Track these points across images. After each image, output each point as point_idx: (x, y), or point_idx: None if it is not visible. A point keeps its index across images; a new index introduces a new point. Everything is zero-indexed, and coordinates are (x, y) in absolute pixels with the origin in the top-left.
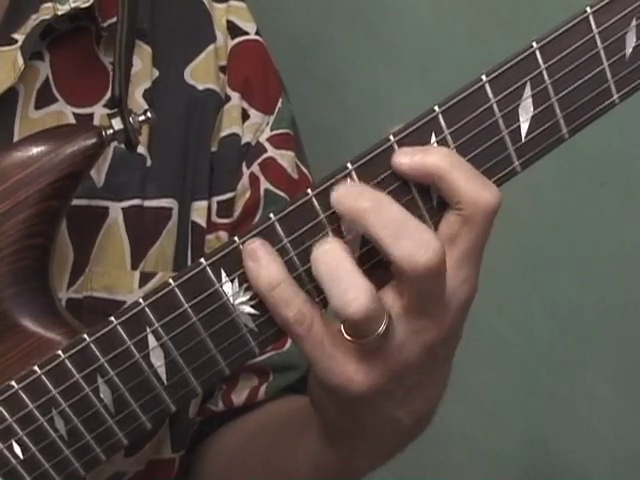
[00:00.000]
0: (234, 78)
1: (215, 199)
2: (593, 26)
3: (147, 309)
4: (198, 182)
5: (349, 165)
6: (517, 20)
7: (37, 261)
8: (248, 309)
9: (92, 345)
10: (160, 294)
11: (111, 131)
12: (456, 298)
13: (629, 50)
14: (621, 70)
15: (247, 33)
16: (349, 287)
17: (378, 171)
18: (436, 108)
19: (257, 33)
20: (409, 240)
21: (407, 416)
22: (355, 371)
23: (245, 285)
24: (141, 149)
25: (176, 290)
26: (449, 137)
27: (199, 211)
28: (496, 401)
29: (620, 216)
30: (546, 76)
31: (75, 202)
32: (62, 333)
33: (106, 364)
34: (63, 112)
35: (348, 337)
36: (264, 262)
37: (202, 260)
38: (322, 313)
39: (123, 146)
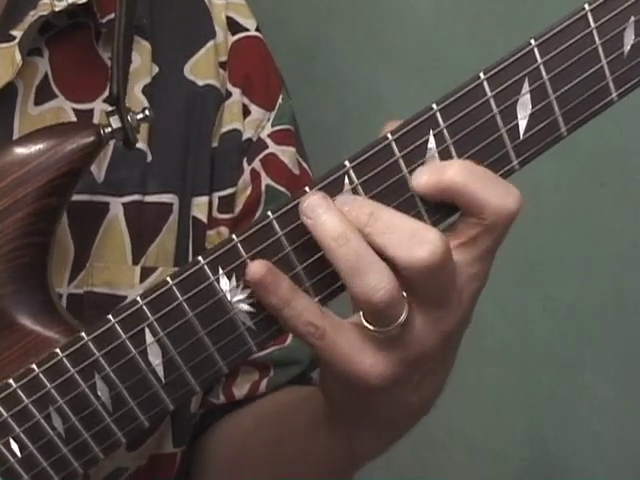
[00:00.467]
0: (235, 74)
1: (216, 195)
2: (591, 23)
3: (145, 307)
4: (199, 178)
5: (347, 163)
6: (517, 20)
7: (35, 259)
8: (246, 307)
9: (90, 343)
10: (158, 292)
11: (109, 129)
12: (469, 289)
13: (627, 47)
14: (619, 67)
15: (247, 29)
16: (373, 274)
17: (375, 169)
18: (434, 106)
19: (257, 29)
20: (405, 238)
21: (418, 400)
22: (373, 364)
23: (242, 283)
24: (141, 144)
25: (174, 288)
26: (447, 135)
27: (200, 206)
28: (496, 401)
29: (620, 216)
30: (544, 73)
31: (76, 197)
32: (60, 331)
33: (104, 362)
34: (63, 108)
35: (370, 326)
36: (273, 285)
37: (200, 258)
38: (334, 318)
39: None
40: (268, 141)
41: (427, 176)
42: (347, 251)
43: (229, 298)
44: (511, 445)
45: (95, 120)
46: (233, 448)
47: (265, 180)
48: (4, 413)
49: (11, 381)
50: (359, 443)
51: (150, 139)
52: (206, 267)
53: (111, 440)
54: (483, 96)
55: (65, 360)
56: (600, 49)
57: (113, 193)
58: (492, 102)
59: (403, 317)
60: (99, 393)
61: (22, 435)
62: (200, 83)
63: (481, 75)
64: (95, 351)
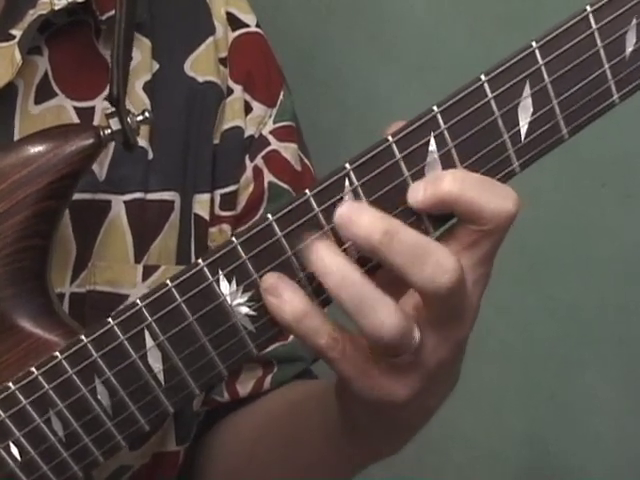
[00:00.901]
0: (236, 71)
1: (218, 192)
2: (593, 25)
3: (145, 310)
4: (200, 175)
5: (347, 165)
6: (517, 20)
7: (35, 262)
8: (246, 310)
9: (89, 346)
10: (157, 295)
11: (109, 131)
12: (475, 292)
13: (629, 50)
14: (621, 70)
15: (248, 25)
16: (380, 312)
17: (376, 171)
18: (435, 108)
19: (257, 25)
20: (427, 265)
21: (435, 401)
22: (393, 384)
23: (243, 286)
24: (143, 142)
25: (173, 291)
26: (448, 137)
27: (202, 204)
28: (496, 401)
29: (620, 217)
30: (546, 75)
31: (78, 196)
32: (60, 334)
33: (103, 365)
34: (63, 106)
35: (383, 358)
36: (286, 296)
37: (199, 260)
38: (351, 332)
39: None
40: (270, 138)
41: (422, 192)
42: (350, 293)
43: (229, 302)
44: (511, 445)
45: (96, 117)
46: (239, 452)
47: (268, 177)
48: (4, 416)
49: (10, 384)
50: (376, 445)
51: (151, 137)
52: (206, 269)
53: (111, 444)
54: (484, 98)
55: (64, 363)
56: (602, 52)
57: (115, 191)
58: (493, 104)
59: (416, 342)
60: (99, 397)
61: (22, 439)
62: (200, 79)
63: (482, 77)
64: (95, 354)
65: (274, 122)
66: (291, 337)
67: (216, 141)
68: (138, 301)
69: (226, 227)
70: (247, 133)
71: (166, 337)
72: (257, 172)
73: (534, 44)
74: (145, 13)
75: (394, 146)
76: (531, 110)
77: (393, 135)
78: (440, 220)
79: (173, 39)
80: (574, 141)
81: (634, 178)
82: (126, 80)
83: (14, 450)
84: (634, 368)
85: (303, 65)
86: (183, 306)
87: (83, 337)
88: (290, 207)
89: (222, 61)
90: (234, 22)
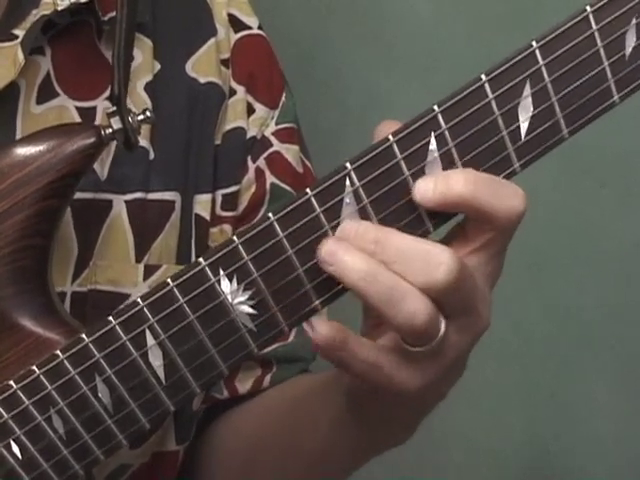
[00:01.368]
0: (239, 72)
1: (220, 192)
2: (593, 25)
3: (146, 309)
4: (201, 175)
5: (348, 165)
6: (517, 20)
7: (36, 261)
8: (247, 309)
9: (91, 345)
10: (159, 294)
11: (110, 130)
12: (488, 285)
13: (629, 49)
14: (621, 69)
15: (250, 27)
16: (409, 301)
17: (376, 171)
18: (435, 107)
19: (259, 28)
20: (417, 263)
21: (448, 388)
22: (411, 377)
23: (244, 284)
24: (144, 142)
25: (175, 290)
26: (448, 137)
27: (202, 204)
28: (496, 401)
29: (620, 217)
30: (546, 75)
31: (79, 195)
32: (61, 332)
33: (104, 363)
34: (65, 106)
35: (412, 348)
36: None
37: (201, 259)
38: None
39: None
40: (272, 139)
41: (431, 191)
42: (378, 287)
43: (230, 300)
44: (511, 445)
45: (98, 118)
46: (239, 448)
47: (270, 178)
48: (5, 415)
49: (12, 383)
50: (388, 433)
51: (153, 137)
52: (207, 268)
53: (112, 442)
54: (485, 98)
55: (66, 362)
56: (602, 51)
57: (116, 191)
58: (494, 104)
59: (442, 331)
60: (100, 395)
61: (23, 437)
62: (202, 80)
63: (483, 77)
64: (96, 353)
65: (276, 124)
66: (291, 337)
67: (217, 141)
68: (139, 300)
69: (227, 227)
70: (249, 134)
71: (167, 336)
72: (259, 173)
73: (534, 44)
74: (147, 14)
75: (395, 145)
76: (531, 109)
77: (394, 135)
78: (440, 218)
79: (175, 40)
80: (574, 141)
81: (634, 178)
82: (127, 79)
83: (15, 448)
84: (634, 368)
85: (303, 65)
86: (184, 305)
87: (84, 336)
88: (291, 207)
89: (224, 62)
90: (236, 24)
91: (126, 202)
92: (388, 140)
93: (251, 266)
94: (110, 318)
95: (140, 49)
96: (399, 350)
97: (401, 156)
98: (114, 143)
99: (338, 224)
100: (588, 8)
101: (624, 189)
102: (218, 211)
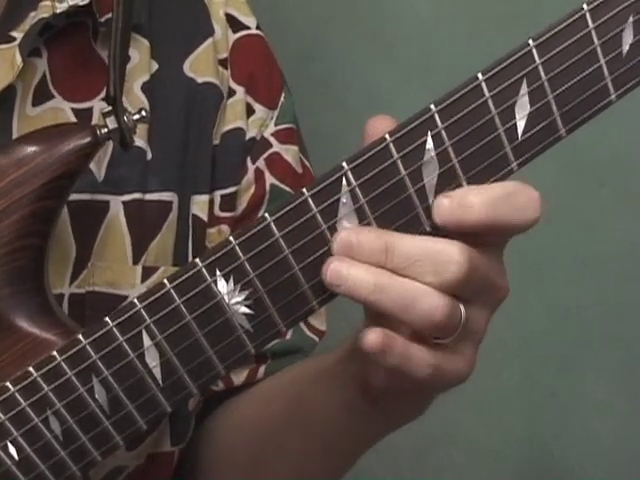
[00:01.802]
0: (238, 72)
1: (218, 193)
2: (590, 23)
3: (143, 310)
4: (199, 175)
5: (344, 165)
6: (517, 20)
7: (32, 261)
8: (243, 309)
9: (87, 346)
10: (156, 295)
11: (105, 130)
12: (502, 253)
13: (626, 47)
14: (618, 67)
15: (248, 27)
16: (424, 300)
17: (373, 170)
18: (432, 107)
19: (258, 27)
20: (429, 265)
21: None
22: (455, 364)
23: (240, 285)
24: (141, 143)
25: (171, 291)
26: (445, 136)
27: (200, 205)
28: (496, 401)
29: (620, 217)
30: (542, 73)
31: (77, 197)
32: (58, 333)
33: (101, 365)
34: (61, 108)
35: (440, 341)
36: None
37: (197, 260)
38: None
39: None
40: (272, 140)
41: (447, 215)
42: (389, 295)
43: (227, 300)
44: (511, 445)
45: (94, 119)
46: (247, 423)
47: (269, 179)
48: (1, 416)
49: (8, 384)
50: (403, 413)
51: (150, 137)
52: (204, 269)
53: (109, 443)
54: (481, 97)
55: (63, 363)
56: (599, 49)
57: (113, 191)
58: (490, 103)
59: (464, 316)
60: (97, 396)
61: (20, 438)
62: (199, 80)
63: (479, 76)
64: (93, 354)
65: (275, 124)
66: (289, 335)
67: (216, 142)
68: (136, 301)
69: (225, 228)
70: (248, 135)
71: (163, 337)
72: (258, 174)
73: (531, 42)
74: (144, 14)
75: (391, 145)
76: (528, 108)
77: (390, 134)
78: None
79: (172, 40)
80: (573, 141)
81: (633, 178)
82: (123, 79)
83: (12, 450)
84: (634, 368)
85: (303, 65)
86: (181, 306)
87: (81, 337)
88: (288, 207)
89: (221, 62)
90: (234, 24)
91: (123, 203)
92: (385, 140)
93: (248, 266)
94: (107, 319)
95: (137, 49)
96: (430, 345)
97: (398, 155)
98: (111, 144)
99: (335, 224)
100: (585, 6)
101: (623, 189)
102: (217, 212)
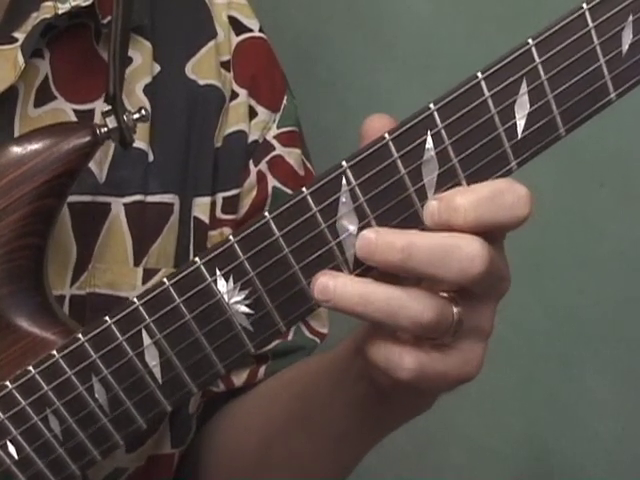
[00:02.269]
0: (240, 75)
1: (220, 195)
2: (589, 22)
3: (142, 308)
4: (200, 178)
5: (344, 163)
6: (517, 20)
7: (31, 261)
8: (243, 308)
9: (87, 345)
10: (155, 293)
11: (105, 129)
12: (503, 243)
13: (625, 46)
14: (618, 66)
15: (251, 30)
16: (410, 306)
17: (373, 169)
18: (431, 105)
19: (260, 30)
20: (454, 262)
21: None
22: (461, 364)
23: (240, 284)
24: (143, 144)
25: (171, 289)
26: (445, 135)
27: (201, 207)
28: (496, 401)
29: (619, 216)
30: (542, 72)
31: (78, 198)
32: (57, 332)
33: (100, 363)
34: (62, 109)
35: (434, 341)
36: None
37: (196, 259)
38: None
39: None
40: (274, 143)
41: (437, 219)
42: (376, 305)
43: (227, 299)
44: (511, 445)
45: (96, 120)
46: (251, 438)
47: (272, 182)
48: (1, 415)
49: (8, 383)
50: (412, 406)
51: (152, 139)
52: (203, 268)
53: (109, 442)
54: (481, 96)
55: (62, 362)
56: (598, 48)
57: (115, 193)
58: (490, 102)
59: (456, 315)
60: (96, 395)
61: (19, 437)
62: (201, 82)
63: (479, 75)
64: (92, 353)
65: (278, 127)
66: (290, 335)
67: (218, 144)
68: (135, 300)
69: (227, 230)
70: (251, 138)
71: (163, 335)
72: (261, 177)
73: (530, 41)
74: (146, 17)
75: (391, 144)
76: (528, 107)
77: (390, 133)
78: None
79: (174, 42)
80: (573, 140)
81: (633, 178)
82: (122, 78)
83: (11, 448)
84: (633, 368)
85: (303, 65)
86: (181, 305)
87: (80, 336)
88: (287, 206)
89: (224, 65)
90: (237, 26)
91: (125, 205)
92: (384, 139)
93: (247, 265)
94: (106, 318)
95: (139, 51)
96: (430, 348)
97: (397, 155)
98: (112, 146)
99: (334, 223)
100: (584, 5)
101: (623, 189)
102: (218, 214)
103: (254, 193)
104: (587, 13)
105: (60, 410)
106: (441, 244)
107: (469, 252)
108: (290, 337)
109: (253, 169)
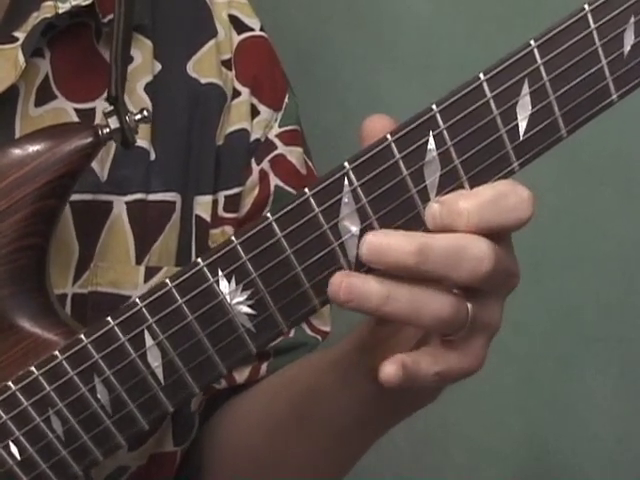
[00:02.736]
0: (242, 74)
1: (222, 193)
2: (591, 23)
3: (144, 309)
4: (202, 176)
5: (346, 164)
6: (517, 20)
7: (33, 261)
8: (245, 309)
9: (89, 346)
10: (157, 294)
11: (107, 130)
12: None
13: (627, 48)
14: (619, 68)
15: (252, 29)
16: (432, 305)
17: (375, 170)
18: (433, 107)
19: (261, 29)
20: (464, 262)
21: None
22: (470, 358)
23: (242, 284)
24: (144, 143)
25: (173, 290)
26: (447, 136)
27: (203, 205)
28: (496, 401)
29: (619, 215)
30: (544, 74)
31: (80, 197)
32: (59, 333)
33: (103, 364)
34: (63, 108)
35: (451, 338)
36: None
37: (199, 260)
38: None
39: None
40: (276, 141)
41: (439, 223)
42: (399, 304)
43: (229, 300)
44: (511, 445)
45: (97, 119)
46: (254, 420)
47: (274, 181)
48: (3, 416)
49: (10, 384)
50: (417, 400)
51: (153, 137)
52: (205, 269)
53: (111, 443)
54: (483, 97)
55: (64, 363)
56: (600, 50)
57: (116, 192)
58: (492, 103)
59: (470, 310)
60: (99, 396)
61: (21, 438)
62: (202, 81)
63: (481, 76)
64: (94, 354)
65: (280, 126)
66: (292, 333)
67: (219, 143)
68: (138, 301)
69: (229, 229)
70: (253, 136)
71: (165, 336)
72: (263, 175)
73: (533, 43)
74: (147, 15)
75: (393, 145)
76: (530, 108)
77: (392, 134)
78: None
79: (175, 41)
80: (573, 140)
81: (634, 177)
82: (124, 78)
83: (14, 449)
84: (633, 368)
85: (303, 65)
86: (183, 306)
87: (83, 337)
88: (290, 207)
89: (224, 63)
90: (238, 25)
91: (126, 203)
92: (386, 139)
93: (250, 266)
94: (109, 319)
95: (140, 50)
96: (440, 344)
97: (399, 155)
98: (114, 144)
99: (337, 224)
100: (586, 7)
101: (624, 188)
102: (220, 212)
103: (256, 192)
104: (589, 14)
105: (62, 411)
106: (454, 245)
107: (477, 252)
108: (292, 334)
109: (255, 168)
